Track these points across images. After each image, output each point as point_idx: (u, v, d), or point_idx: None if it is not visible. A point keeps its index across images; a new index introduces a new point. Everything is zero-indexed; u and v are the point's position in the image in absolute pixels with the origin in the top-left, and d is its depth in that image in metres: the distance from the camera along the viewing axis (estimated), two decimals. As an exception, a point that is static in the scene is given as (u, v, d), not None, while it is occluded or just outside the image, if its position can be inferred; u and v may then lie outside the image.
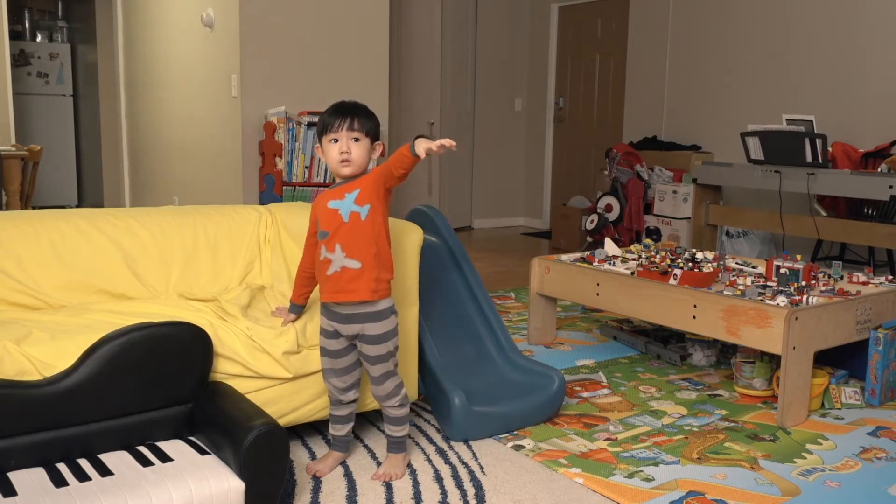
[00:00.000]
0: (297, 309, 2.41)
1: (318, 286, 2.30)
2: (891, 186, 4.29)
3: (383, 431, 2.44)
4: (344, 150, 2.17)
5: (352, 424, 2.41)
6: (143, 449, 2.00)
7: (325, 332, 2.29)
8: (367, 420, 2.75)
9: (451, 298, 3.07)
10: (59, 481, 1.81)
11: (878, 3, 5.25)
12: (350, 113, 2.18)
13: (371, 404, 2.55)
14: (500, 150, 8.05)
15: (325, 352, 2.30)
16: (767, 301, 2.86)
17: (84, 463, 1.92)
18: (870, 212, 4.77)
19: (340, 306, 2.21)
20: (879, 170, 4.61)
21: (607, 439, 2.66)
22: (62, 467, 1.89)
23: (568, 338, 3.93)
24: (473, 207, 7.99)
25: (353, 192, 2.17)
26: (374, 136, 2.21)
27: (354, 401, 2.37)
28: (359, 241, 2.17)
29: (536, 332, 3.78)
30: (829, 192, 4.61)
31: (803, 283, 3.15)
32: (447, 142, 2.03)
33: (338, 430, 2.39)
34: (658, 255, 3.59)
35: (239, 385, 2.25)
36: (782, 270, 3.24)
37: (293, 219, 2.84)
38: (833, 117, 5.37)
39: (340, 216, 2.17)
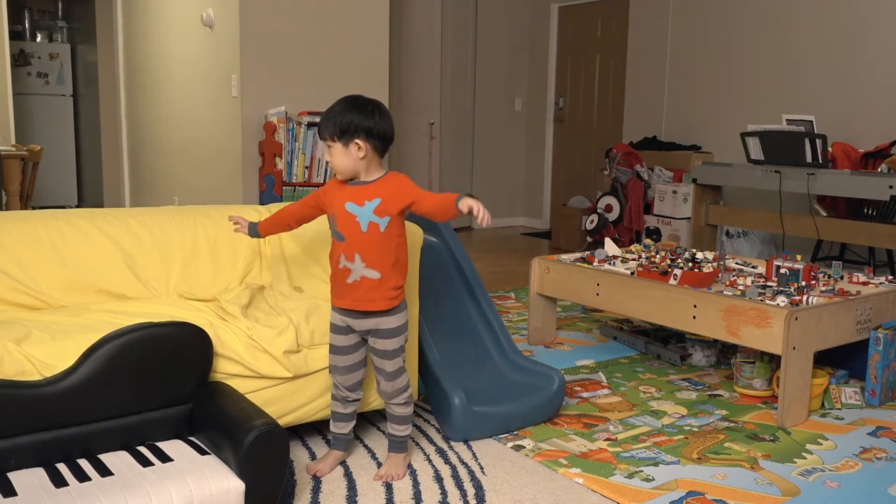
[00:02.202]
0: (255, 232, 2.42)
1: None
2: (891, 186, 4.29)
3: (384, 432, 2.43)
4: (328, 159, 2.22)
5: (353, 423, 2.41)
6: (143, 449, 2.00)
7: (335, 328, 2.29)
8: (367, 420, 2.76)
9: (451, 298, 3.07)
10: (59, 481, 1.81)
11: (877, 3, 5.25)
12: (320, 124, 2.19)
13: (372, 403, 2.55)
14: (500, 150, 8.05)
15: (333, 349, 2.30)
16: (767, 301, 2.86)
17: (84, 463, 1.92)
18: (870, 212, 4.77)
19: None
20: (879, 170, 4.61)
21: (607, 439, 2.66)
22: (62, 467, 1.89)
23: (568, 338, 3.93)
24: (473, 207, 7.97)
25: (373, 200, 2.15)
26: (344, 135, 2.14)
27: (358, 400, 2.37)
28: (378, 252, 2.17)
29: (536, 332, 3.78)
30: (829, 192, 4.61)
31: (803, 284, 3.15)
32: (483, 217, 2.08)
33: (340, 428, 2.39)
34: (658, 255, 3.59)
35: (239, 385, 2.25)
36: (782, 270, 3.24)
37: (293, 219, 2.84)
38: (833, 117, 5.37)
39: (358, 224, 2.15)
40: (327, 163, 2.26)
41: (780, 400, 2.79)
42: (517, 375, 2.90)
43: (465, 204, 2.08)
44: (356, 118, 2.14)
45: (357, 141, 2.14)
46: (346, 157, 2.15)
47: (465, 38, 7.66)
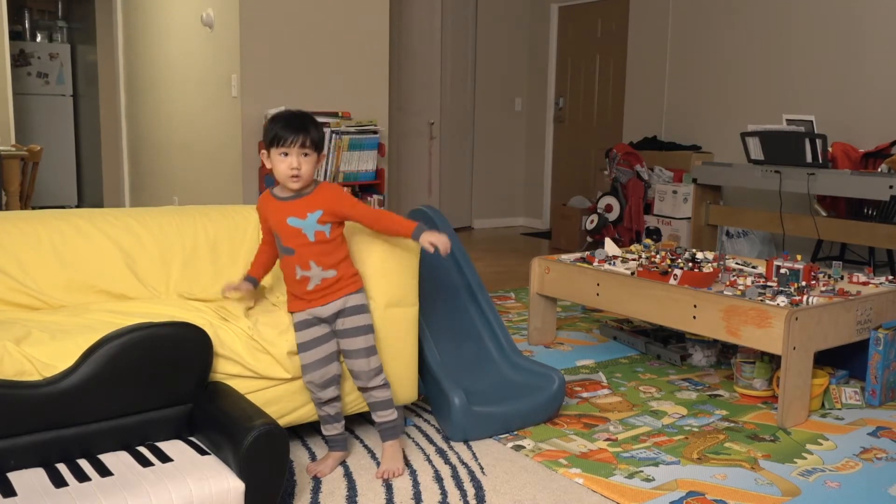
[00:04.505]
0: (254, 281, 2.48)
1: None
2: (891, 186, 4.29)
3: (373, 424, 2.43)
4: (294, 165, 2.20)
5: (342, 423, 2.41)
6: (142, 449, 2.00)
7: (300, 326, 2.32)
8: (367, 420, 2.75)
9: (451, 298, 3.07)
10: (58, 481, 1.81)
11: (877, 3, 5.25)
12: (303, 129, 2.20)
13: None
14: (500, 150, 8.05)
15: (302, 347, 2.32)
16: (767, 301, 2.86)
17: (84, 463, 1.92)
18: (870, 212, 4.76)
19: None
20: (879, 170, 4.61)
21: (607, 439, 2.66)
22: (62, 467, 1.89)
23: (568, 338, 3.93)
24: (473, 207, 7.98)
25: (314, 212, 2.24)
26: (320, 148, 2.26)
27: (336, 398, 2.37)
28: (330, 254, 2.29)
29: (536, 332, 3.78)
30: (829, 192, 4.61)
31: (803, 284, 3.15)
32: (445, 250, 2.29)
33: (329, 430, 2.40)
34: (658, 255, 3.59)
35: (239, 385, 2.24)
36: (782, 270, 3.24)
37: (293, 219, 2.83)
38: (833, 117, 5.37)
39: (305, 236, 2.25)
40: (294, 169, 2.25)
41: (780, 400, 2.79)
42: (517, 375, 2.90)
43: (427, 242, 2.29)
44: (322, 133, 2.28)
45: (323, 153, 2.30)
46: (313, 167, 2.26)
47: (465, 38, 7.66)
